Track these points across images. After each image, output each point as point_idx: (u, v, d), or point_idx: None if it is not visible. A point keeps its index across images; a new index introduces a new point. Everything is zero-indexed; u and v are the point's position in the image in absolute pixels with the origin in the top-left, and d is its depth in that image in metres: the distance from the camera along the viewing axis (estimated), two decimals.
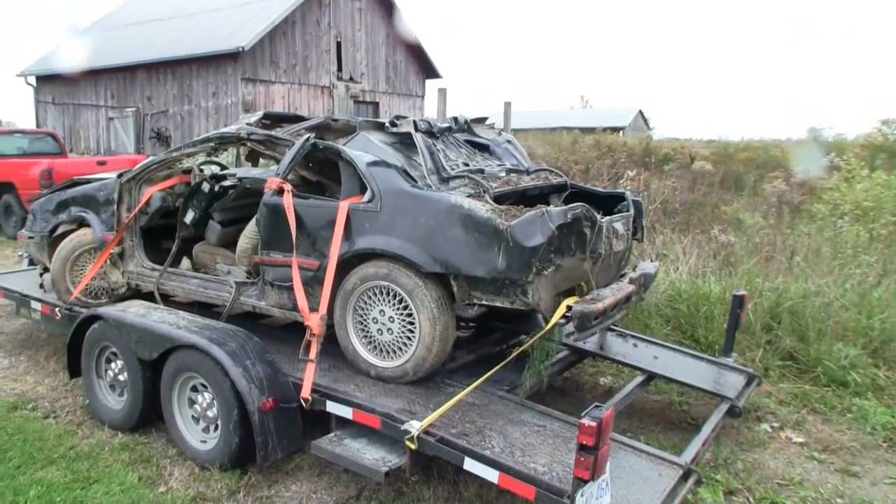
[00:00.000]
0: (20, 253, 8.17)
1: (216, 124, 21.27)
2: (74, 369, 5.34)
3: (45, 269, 6.49)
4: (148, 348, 4.66)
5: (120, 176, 5.77)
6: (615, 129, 38.45)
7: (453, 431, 3.78)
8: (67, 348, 5.30)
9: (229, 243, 5.59)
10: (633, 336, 5.86)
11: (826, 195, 10.83)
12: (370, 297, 4.38)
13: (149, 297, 5.64)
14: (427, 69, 28.46)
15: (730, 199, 11.31)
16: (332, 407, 4.14)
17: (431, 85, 28.96)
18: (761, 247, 7.86)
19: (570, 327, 4.61)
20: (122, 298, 5.83)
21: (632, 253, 5.46)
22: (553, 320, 4.09)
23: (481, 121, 5.66)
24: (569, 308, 4.09)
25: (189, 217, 5.58)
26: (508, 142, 5.55)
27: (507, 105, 13.81)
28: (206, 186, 5.52)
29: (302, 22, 22.90)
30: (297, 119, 5.65)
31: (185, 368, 4.52)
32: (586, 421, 3.03)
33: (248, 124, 5.42)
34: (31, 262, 7.67)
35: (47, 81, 26.57)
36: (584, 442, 3.03)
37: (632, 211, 5.08)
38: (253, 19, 21.87)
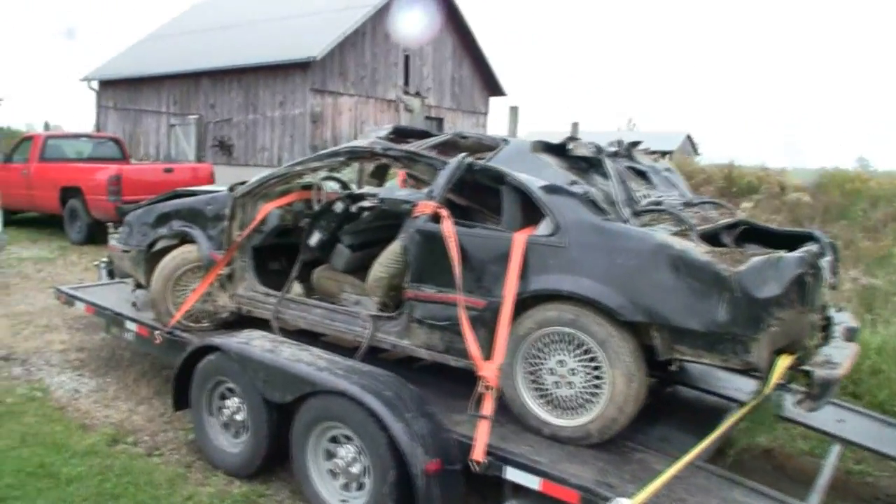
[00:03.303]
0: (97, 263, 7.68)
1: (282, 135, 20.77)
2: (180, 401, 4.79)
3: (138, 286, 5.97)
4: (280, 390, 4.09)
5: (232, 189, 5.24)
6: (663, 153, 37.94)
7: None
8: (174, 379, 4.75)
9: (357, 269, 5.00)
10: None
11: None
12: (546, 345, 3.78)
13: (253, 321, 5.11)
14: (492, 86, 27.91)
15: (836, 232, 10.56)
16: (513, 474, 3.52)
17: (494, 102, 28.51)
18: None
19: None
20: (226, 322, 5.32)
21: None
22: (772, 381, 3.48)
23: (636, 145, 5.05)
24: (806, 373, 3.52)
25: (314, 239, 5.01)
26: (668, 170, 4.97)
27: (575, 126, 13.18)
28: (338, 207, 4.96)
29: (372, 34, 22.29)
30: (425, 135, 5.10)
31: (327, 417, 3.91)
32: None
33: (378, 138, 4.88)
34: (111, 275, 7.17)
35: (109, 86, 26.04)
36: None
37: (830, 255, 4.44)
38: (324, 29, 21.12)
